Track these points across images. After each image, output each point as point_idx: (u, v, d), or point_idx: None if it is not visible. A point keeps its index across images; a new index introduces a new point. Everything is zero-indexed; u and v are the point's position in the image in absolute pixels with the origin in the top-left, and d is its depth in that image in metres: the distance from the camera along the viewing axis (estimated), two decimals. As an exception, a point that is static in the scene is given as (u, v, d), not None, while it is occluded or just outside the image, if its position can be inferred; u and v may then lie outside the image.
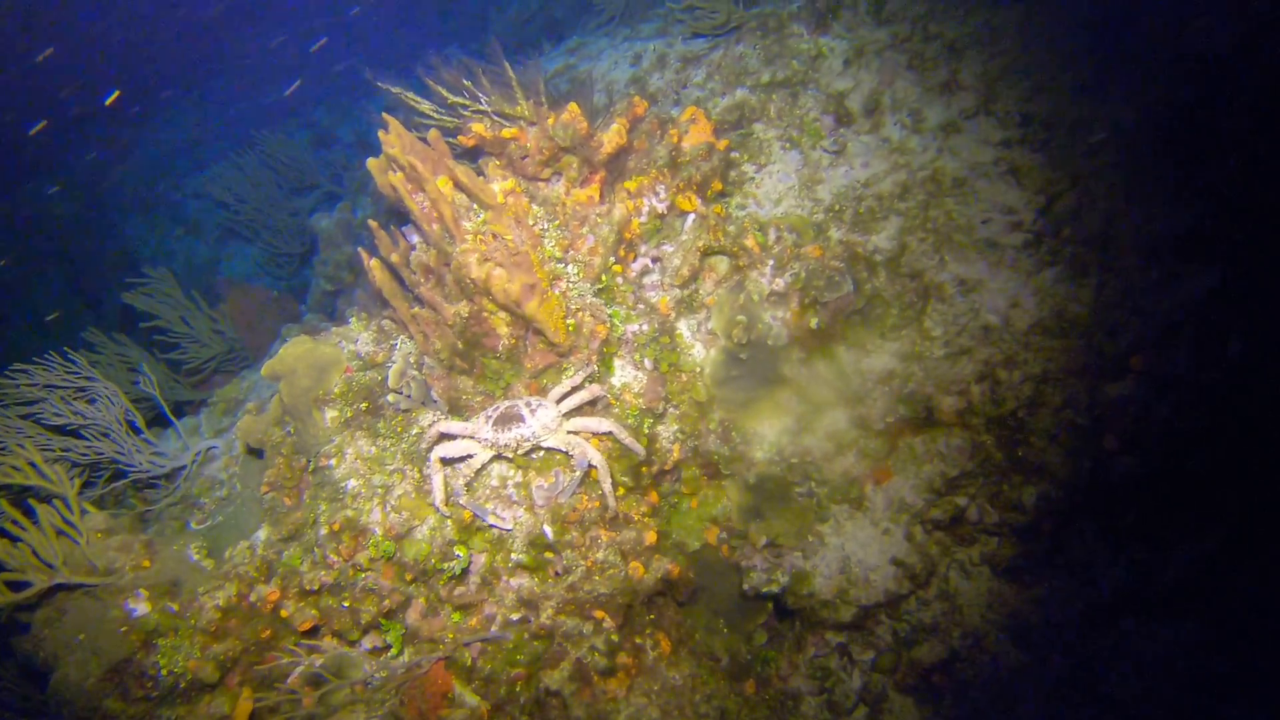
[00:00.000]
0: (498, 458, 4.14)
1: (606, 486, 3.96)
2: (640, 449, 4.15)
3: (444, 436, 4.12)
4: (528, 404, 4.00)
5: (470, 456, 4.02)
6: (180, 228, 11.20)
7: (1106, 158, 4.59)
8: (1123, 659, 4.27)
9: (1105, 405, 4.17)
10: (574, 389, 4.18)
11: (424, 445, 4.17)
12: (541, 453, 4.18)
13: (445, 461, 4.02)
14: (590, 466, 3.93)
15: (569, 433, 4.05)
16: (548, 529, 3.96)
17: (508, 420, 3.92)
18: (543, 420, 3.94)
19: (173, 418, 5.85)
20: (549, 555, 3.99)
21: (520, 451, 3.99)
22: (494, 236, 3.97)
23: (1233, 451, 4.09)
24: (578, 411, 4.16)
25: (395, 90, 4.56)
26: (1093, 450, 4.17)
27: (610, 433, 4.08)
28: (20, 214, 11.80)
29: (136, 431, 5.53)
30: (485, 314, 4.12)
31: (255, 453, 5.20)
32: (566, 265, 4.37)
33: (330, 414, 4.64)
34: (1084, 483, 4.18)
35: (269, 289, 8.72)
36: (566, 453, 4.04)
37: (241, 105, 12.47)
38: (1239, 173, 4.32)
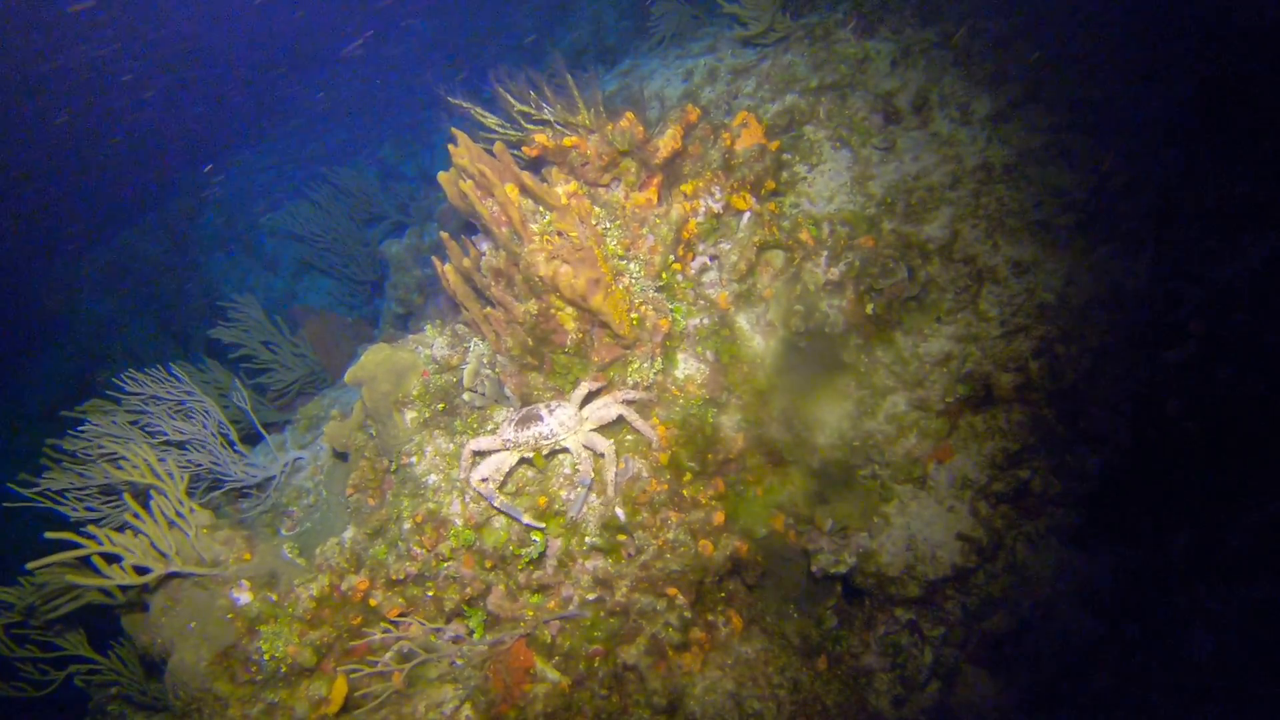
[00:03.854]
0: (524, 462, 4.30)
1: (609, 476, 4.12)
2: (652, 433, 4.30)
3: (476, 455, 4.30)
4: (548, 406, 4.20)
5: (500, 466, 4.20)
6: (258, 264, 11.82)
7: (1160, 134, 4.63)
8: (1196, 623, 4.23)
9: (1166, 372, 4.19)
10: (596, 391, 4.36)
11: (462, 473, 4.34)
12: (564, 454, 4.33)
13: (485, 481, 4.19)
14: (591, 484, 4.10)
15: (590, 431, 4.21)
16: (620, 511, 4.13)
17: (527, 421, 4.12)
18: (560, 419, 4.12)
19: (263, 431, 6.21)
20: (622, 537, 4.16)
21: (542, 451, 4.17)
22: (559, 235, 4.21)
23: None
24: (598, 408, 4.31)
25: (465, 105, 4.86)
26: (1155, 417, 4.18)
27: (621, 417, 4.24)
28: (118, 260, 12.61)
29: (230, 444, 5.90)
30: (553, 310, 4.35)
31: (341, 456, 5.51)
32: (628, 263, 4.58)
33: (410, 415, 4.92)
34: (1148, 450, 4.19)
35: (344, 316, 9.15)
36: (576, 463, 4.19)
37: (313, 146, 13.15)
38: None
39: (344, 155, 11.85)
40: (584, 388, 4.34)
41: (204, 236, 12.55)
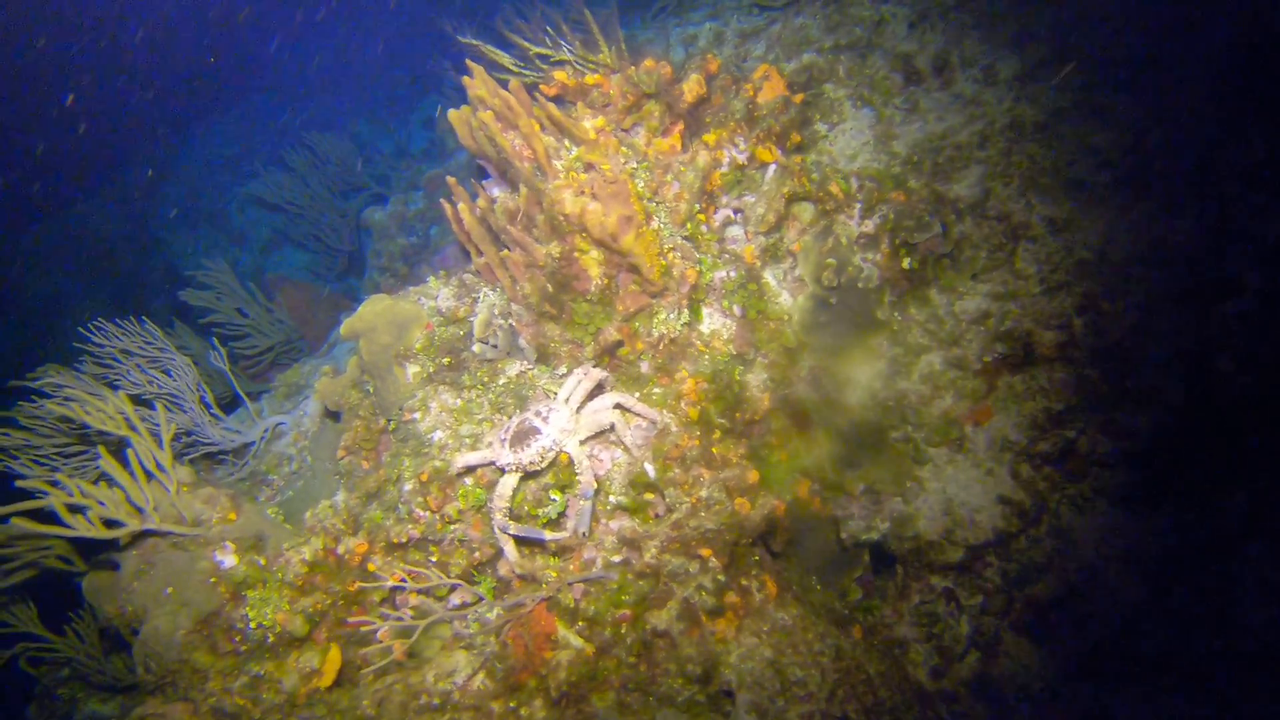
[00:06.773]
0: (527, 477, 3.90)
1: (627, 438, 3.86)
2: (653, 413, 3.99)
3: (465, 469, 3.93)
4: (538, 413, 3.78)
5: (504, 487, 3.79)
6: (225, 238, 11.28)
7: (1199, 89, 4.50)
8: (1249, 586, 4.06)
9: (1216, 328, 4.03)
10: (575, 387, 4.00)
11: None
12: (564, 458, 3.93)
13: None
14: (595, 492, 3.77)
15: (590, 417, 3.89)
16: (649, 466, 3.85)
17: (523, 436, 3.69)
18: (559, 424, 3.73)
19: (242, 394, 5.80)
20: (649, 496, 3.87)
21: (546, 463, 3.77)
22: (588, 168, 3.92)
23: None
24: (588, 400, 3.98)
25: (475, 43, 4.55)
26: (1206, 374, 4.02)
27: (619, 405, 3.92)
28: (68, 234, 11.95)
29: (206, 406, 5.48)
30: (576, 254, 4.05)
31: (333, 416, 5.14)
32: (656, 205, 4.31)
33: (412, 369, 4.58)
34: (1199, 408, 4.03)
35: (320, 286, 8.73)
36: (576, 473, 3.79)
37: (284, 119, 12.64)
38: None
39: (317, 129, 11.37)
40: (569, 383, 3.96)
41: (167, 209, 11.92)
